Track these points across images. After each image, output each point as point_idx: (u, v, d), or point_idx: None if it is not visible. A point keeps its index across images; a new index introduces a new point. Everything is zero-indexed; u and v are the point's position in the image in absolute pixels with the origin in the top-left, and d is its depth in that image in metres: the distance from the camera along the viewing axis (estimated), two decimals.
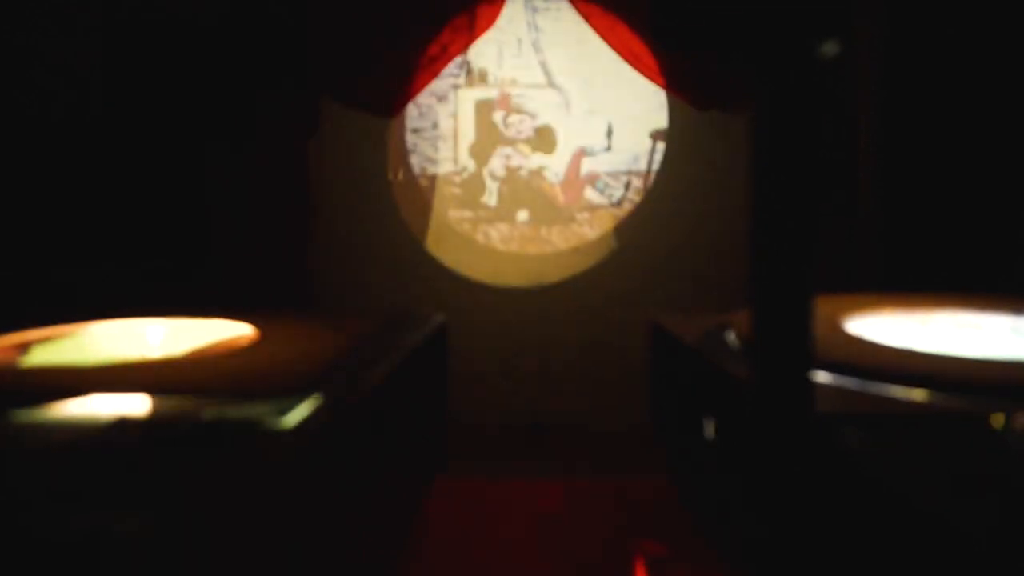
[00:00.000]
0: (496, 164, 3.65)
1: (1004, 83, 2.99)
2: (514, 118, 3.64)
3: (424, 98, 3.58)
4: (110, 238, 3.10)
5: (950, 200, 3.10)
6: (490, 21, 3.45)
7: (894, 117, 3.22)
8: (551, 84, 3.65)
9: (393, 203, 3.57)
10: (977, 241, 3.04)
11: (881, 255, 3.25)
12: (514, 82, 3.64)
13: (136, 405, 1.12)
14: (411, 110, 3.59)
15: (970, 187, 3.07)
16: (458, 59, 3.49)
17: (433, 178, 3.68)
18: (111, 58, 3.17)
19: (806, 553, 1.01)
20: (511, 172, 3.65)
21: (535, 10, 3.64)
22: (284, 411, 1.07)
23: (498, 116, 3.64)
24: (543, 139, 3.65)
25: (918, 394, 1.19)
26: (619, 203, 3.68)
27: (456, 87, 3.64)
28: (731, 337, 1.63)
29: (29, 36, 2.85)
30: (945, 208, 3.11)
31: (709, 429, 1.52)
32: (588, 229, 3.66)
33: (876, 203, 3.27)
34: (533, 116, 3.64)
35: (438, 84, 3.55)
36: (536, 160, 3.65)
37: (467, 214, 3.67)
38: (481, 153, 3.66)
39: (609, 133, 3.67)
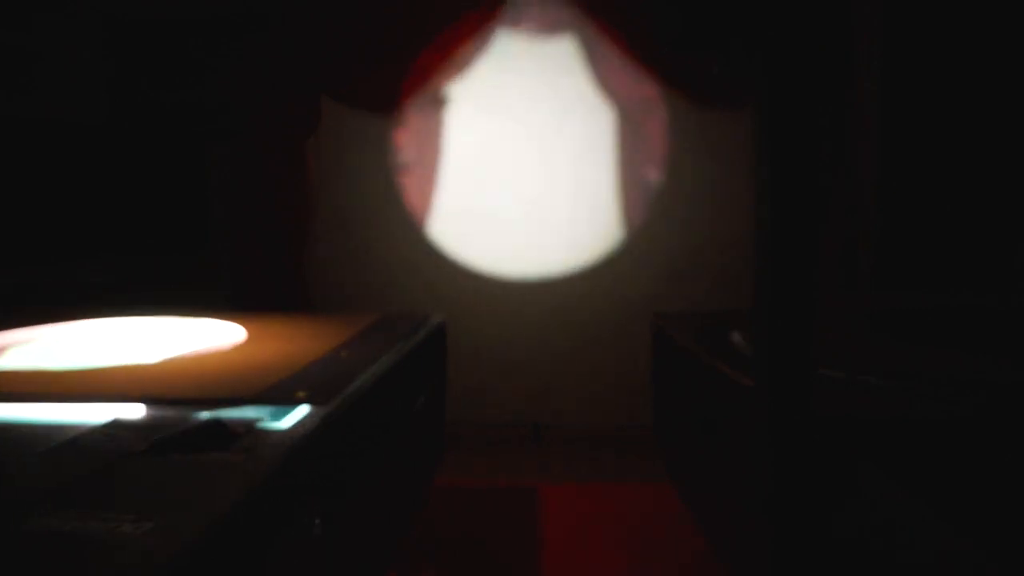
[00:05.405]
0: (496, 163, 3.64)
1: (1003, 83, 2.99)
2: (514, 117, 3.63)
3: (423, 98, 3.57)
4: (109, 237, 3.09)
5: (949, 200, 3.10)
6: (488, 22, 3.44)
7: (894, 117, 3.22)
8: (550, 84, 3.64)
9: (393, 203, 3.57)
10: (976, 241, 3.04)
11: (880, 255, 3.25)
12: (513, 82, 3.62)
13: (129, 410, 1.11)
14: (411, 109, 3.58)
15: (969, 187, 3.08)
16: (457, 59, 3.48)
17: (433, 177, 3.67)
18: (112, 58, 3.17)
19: (806, 552, 1.01)
20: (511, 172, 3.64)
21: (534, 11, 3.63)
22: (277, 415, 1.06)
23: (498, 116, 3.62)
24: (542, 139, 3.64)
25: (919, 394, 1.18)
26: (618, 202, 3.67)
27: (455, 87, 3.63)
28: (735, 337, 1.63)
29: (29, 36, 2.84)
30: (944, 208, 3.11)
31: (709, 428, 1.52)
32: (588, 227, 3.65)
33: (876, 203, 3.26)
34: (533, 115, 3.63)
35: (437, 84, 3.54)
36: (536, 160, 3.64)
37: (467, 214, 3.65)
38: (481, 152, 3.65)
39: (607, 131, 3.66)
